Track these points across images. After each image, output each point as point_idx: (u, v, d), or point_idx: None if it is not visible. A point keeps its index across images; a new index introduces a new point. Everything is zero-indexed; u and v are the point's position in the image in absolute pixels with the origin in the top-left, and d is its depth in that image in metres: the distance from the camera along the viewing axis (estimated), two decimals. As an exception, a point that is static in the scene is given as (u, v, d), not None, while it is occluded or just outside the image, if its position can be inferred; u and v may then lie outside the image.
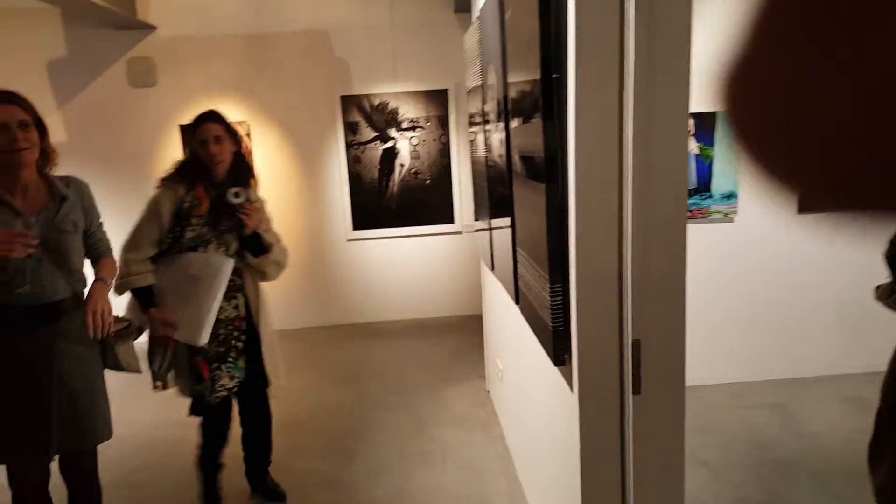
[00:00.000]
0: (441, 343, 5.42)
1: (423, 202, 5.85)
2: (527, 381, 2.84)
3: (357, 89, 5.67)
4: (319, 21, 5.58)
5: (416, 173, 5.82)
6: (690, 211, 3.99)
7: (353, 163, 5.77)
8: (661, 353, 1.81)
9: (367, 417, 4.04)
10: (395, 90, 5.67)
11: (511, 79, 2.37)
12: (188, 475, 3.24)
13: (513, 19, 2.26)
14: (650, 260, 1.76)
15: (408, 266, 5.97)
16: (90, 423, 2.33)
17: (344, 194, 5.82)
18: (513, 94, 2.35)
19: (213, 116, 2.67)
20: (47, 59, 5.53)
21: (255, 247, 2.72)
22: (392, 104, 5.70)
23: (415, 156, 5.79)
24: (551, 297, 1.98)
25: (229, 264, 2.63)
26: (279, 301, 5.85)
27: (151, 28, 5.45)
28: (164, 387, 2.71)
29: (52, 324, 2.26)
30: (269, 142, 5.73)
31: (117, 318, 2.50)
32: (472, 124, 3.88)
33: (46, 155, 2.29)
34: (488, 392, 4.28)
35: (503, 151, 2.67)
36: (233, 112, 5.66)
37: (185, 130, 2.44)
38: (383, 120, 5.72)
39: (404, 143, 5.77)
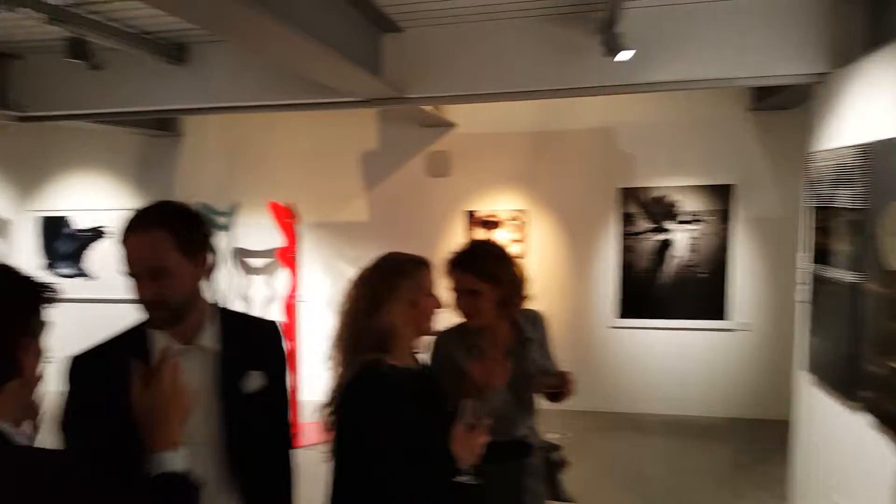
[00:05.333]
0: (712, 449, 5.12)
1: (695, 296, 5.70)
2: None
3: (636, 182, 5.79)
4: (606, 119, 5.85)
5: (690, 266, 5.71)
6: None
7: (626, 252, 5.84)
8: None
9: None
10: (676, 183, 5.69)
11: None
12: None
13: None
14: None
15: (670, 359, 5.80)
16: None
17: (612, 282, 5.89)
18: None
19: None
20: (362, 151, 6.45)
21: None
22: (671, 197, 5.71)
23: (692, 248, 5.70)
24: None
25: None
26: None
27: (452, 125, 6.13)
28: None
29: (520, 461, 2.23)
30: (544, 228, 6.05)
31: (551, 445, 2.38)
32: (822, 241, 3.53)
33: (508, 302, 2.21)
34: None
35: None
36: (514, 201, 6.09)
37: None
38: (661, 212, 5.75)
39: (680, 236, 5.71)
